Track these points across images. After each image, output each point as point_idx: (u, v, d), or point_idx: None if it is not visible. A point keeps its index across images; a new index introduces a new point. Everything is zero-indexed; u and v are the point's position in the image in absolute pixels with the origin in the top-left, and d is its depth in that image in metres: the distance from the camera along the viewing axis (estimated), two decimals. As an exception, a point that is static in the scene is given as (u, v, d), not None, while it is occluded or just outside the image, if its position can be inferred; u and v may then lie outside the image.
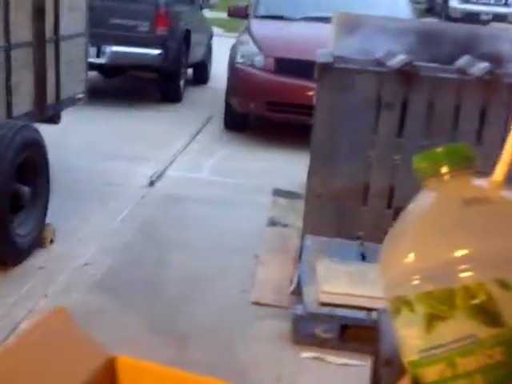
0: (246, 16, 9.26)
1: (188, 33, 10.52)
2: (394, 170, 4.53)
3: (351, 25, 5.17)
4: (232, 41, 9.48)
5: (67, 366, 1.68)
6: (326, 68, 4.40)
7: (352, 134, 4.46)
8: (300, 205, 5.11)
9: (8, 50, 4.87)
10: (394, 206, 4.45)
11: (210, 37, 12.82)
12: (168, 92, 10.25)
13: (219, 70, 12.25)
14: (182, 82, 10.42)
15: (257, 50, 8.13)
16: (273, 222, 5.52)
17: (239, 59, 8.25)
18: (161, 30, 9.53)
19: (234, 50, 8.54)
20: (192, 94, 11.00)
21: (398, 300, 0.90)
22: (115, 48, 9.40)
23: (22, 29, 5.08)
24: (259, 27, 8.58)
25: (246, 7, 9.57)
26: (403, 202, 3.39)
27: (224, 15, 17.41)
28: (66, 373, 1.66)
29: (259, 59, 8.06)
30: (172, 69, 9.99)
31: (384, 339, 1.77)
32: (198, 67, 12.16)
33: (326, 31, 5.82)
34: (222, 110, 8.86)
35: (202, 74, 12.41)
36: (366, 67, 4.43)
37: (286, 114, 7.97)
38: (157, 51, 9.53)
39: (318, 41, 5.99)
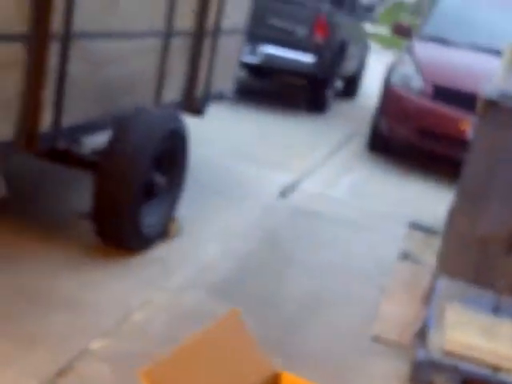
0: (409, 35, 8.94)
1: (344, 44, 10.34)
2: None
3: (524, 60, 4.86)
4: (387, 59, 9.23)
5: (235, 374, 1.61)
6: (491, 104, 4.11)
7: (509, 177, 4.16)
8: (436, 241, 4.83)
9: (168, 36, 4.84)
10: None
11: (366, 51, 12.61)
12: (315, 101, 10.09)
13: (370, 86, 12.05)
14: (330, 93, 10.24)
15: (416, 73, 7.81)
16: (405, 255, 5.24)
17: (395, 80, 7.96)
18: (318, 38, 9.39)
19: (390, 70, 8.25)
20: (338, 107, 10.81)
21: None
22: (270, 50, 9.33)
23: (184, 17, 5.04)
24: (422, 49, 8.25)
25: (411, 27, 9.26)
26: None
27: (384, 30, 17.21)
28: (232, 380, 1.59)
29: (417, 83, 7.73)
30: (323, 78, 9.84)
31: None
32: (349, 80, 11.96)
33: (493, 64, 5.51)
34: (367, 129, 8.61)
35: (351, 88, 12.21)
36: (535, 109, 4.11)
37: (437, 144, 7.62)
38: (311, 59, 9.40)
39: (484, 73, 5.68)
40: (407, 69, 7.98)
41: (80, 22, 3.77)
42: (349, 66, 11.14)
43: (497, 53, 6.87)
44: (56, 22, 3.57)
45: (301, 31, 9.36)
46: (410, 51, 8.30)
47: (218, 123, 7.76)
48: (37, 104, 3.61)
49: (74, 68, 3.84)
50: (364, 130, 8.88)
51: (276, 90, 11.35)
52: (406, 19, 12.56)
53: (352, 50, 10.95)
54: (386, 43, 16.91)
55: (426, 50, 8.26)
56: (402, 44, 9.74)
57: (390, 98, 7.99)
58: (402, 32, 9.20)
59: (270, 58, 9.36)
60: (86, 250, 4.28)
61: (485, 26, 8.57)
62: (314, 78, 9.81)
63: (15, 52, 3.42)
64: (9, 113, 3.50)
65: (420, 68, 7.85)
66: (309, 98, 10.15)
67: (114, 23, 4.15)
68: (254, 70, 10.27)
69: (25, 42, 3.45)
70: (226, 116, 8.23)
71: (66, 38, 3.70)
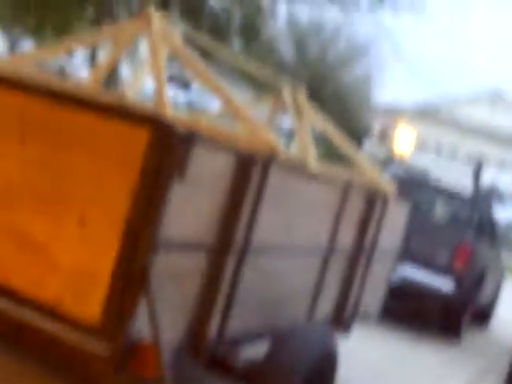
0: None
1: (483, 272, 10.18)
2: None
3: None
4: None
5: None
6: None
7: None
8: None
9: (329, 254, 4.89)
10: None
11: (502, 280, 12.37)
12: (449, 327, 9.81)
13: (503, 317, 11.69)
14: (466, 321, 9.97)
15: None
16: None
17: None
18: (459, 265, 9.29)
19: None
20: (471, 335, 10.49)
21: None
22: (408, 272, 9.28)
23: (345, 236, 5.11)
24: None
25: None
26: None
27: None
28: None
29: None
30: (460, 306, 9.62)
31: None
32: (482, 309, 11.67)
33: None
34: (504, 363, 8.24)
35: (484, 317, 11.88)
36: None
37: None
38: (450, 286, 9.26)
39: None
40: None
41: (257, 237, 3.88)
42: (485, 294, 10.90)
43: None
44: (237, 237, 3.68)
45: (442, 256, 9.30)
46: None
47: (351, 341, 7.63)
48: (208, 313, 3.66)
49: (244, 280, 3.91)
50: (499, 366, 8.49)
51: (409, 309, 11.16)
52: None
53: (489, 278, 10.76)
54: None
55: None
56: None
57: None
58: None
59: (409, 281, 9.29)
60: None
61: None
62: (450, 305, 9.61)
63: (198, 261, 3.52)
64: (182, 319, 3.55)
65: None
66: (443, 323, 9.90)
67: (285, 240, 4.24)
68: (391, 291, 10.16)
69: (208, 253, 3.56)
70: (359, 334, 8.10)
71: (243, 252, 3.79)
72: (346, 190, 4.77)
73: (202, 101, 29.94)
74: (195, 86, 34.70)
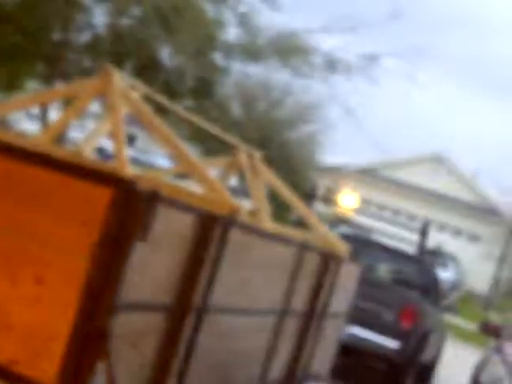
0: (497, 334, 8.88)
1: (427, 332, 10.29)
2: None
3: None
4: (462, 352, 9.08)
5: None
6: None
7: None
8: None
9: (283, 315, 4.90)
10: None
11: (443, 341, 12.50)
12: (393, 386, 9.86)
13: (444, 376, 11.78)
14: (409, 381, 10.02)
15: (504, 375, 7.64)
16: None
17: (485, 379, 7.79)
18: (405, 324, 9.38)
19: (479, 368, 8.11)
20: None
21: None
22: (354, 330, 9.30)
23: (298, 298, 5.12)
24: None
25: (499, 327, 9.22)
26: None
27: (459, 321, 17.18)
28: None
29: (506, 384, 7.58)
30: (404, 365, 9.68)
31: None
32: (424, 368, 11.74)
33: None
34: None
35: (425, 376, 11.95)
36: None
37: None
38: (395, 344, 9.33)
39: None
40: (496, 369, 7.83)
41: (215, 297, 3.86)
42: (428, 354, 10.99)
43: None
44: (197, 297, 3.66)
45: (388, 316, 9.38)
46: (499, 352, 8.18)
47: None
48: (165, 373, 3.61)
49: (201, 339, 3.87)
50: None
51: (354, 367, 11.17)
52: (476, 312, 12.57)
53: (432, 339, 10.86)
54: (456, 334, 16.83)
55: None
56: (473, 337, 9.68)
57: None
58: (492, 331, 9.13)
59: (354, 339, 9.30)
60: None
61: None
62: (395, 364, 9.66)
63: (155, 321, 3.48)
64: (139, 379, 3.49)
65: (510, 370, 7.69)
66: (387, 381, 9.92)
67: (242, 300, 4.23)
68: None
69: (166, 313, 3.52)
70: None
71: (202, 311, 3.77)
72: (301, 251, 4.80)
73: (147, 157, 29.91)
74: (139, 142, 34.69)
